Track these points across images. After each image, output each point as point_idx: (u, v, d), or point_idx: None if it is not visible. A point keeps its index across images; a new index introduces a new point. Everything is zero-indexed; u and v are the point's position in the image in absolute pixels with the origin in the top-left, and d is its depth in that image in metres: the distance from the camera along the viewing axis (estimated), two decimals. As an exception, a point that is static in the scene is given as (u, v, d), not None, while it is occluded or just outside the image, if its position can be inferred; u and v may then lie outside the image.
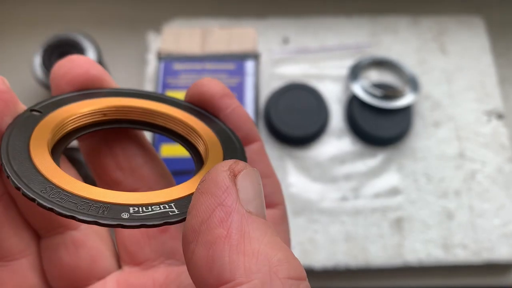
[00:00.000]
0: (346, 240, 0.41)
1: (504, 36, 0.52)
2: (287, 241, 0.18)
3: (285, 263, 0.12)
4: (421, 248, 0.41)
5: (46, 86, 0.44)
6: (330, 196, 0.42)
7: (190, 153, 0.19)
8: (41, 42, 0.45)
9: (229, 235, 0.12)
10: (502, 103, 0.46)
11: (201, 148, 0.18)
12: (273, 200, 0.18)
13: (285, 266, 0.12)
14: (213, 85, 0.18)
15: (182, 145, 0.19)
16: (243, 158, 0.17)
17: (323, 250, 0.41)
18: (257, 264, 0.12)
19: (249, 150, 0.18)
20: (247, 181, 0.13)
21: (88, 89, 0.19)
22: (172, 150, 0.39)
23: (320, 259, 0.40)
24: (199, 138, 0.18)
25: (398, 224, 0.41)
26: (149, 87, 0.46)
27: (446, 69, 0.47)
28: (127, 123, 0.19)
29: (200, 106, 0.19)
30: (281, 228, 0.18)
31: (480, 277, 0.43)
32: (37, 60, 0.43)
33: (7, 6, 0.54)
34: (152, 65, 0.47)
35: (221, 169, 0.13)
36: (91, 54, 0.43)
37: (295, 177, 0.43)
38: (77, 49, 0.43)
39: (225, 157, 0.17)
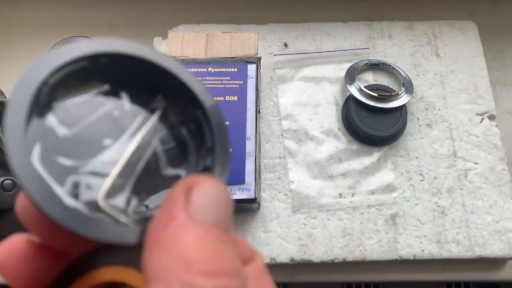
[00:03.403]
0: (343, 236, 0.42)
1: (496, 40, 0.53)
2: None
3: (202, 261, 0.14)
4: (416, 243, 0.42)
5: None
6: (328, 193, 0.44)
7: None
8: (50, 47, 0.45)
9: (164, 239, 0.14)
10: (494, 104, 0.47)
11: None
12: (249, 258, 0.19)
13: (201, 264, 0.13)
14: None
15: None
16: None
17: (321, 245, 0.42)
18: (176, 263, 0.13)
19: None
20: (199, 193, 0.15)
21: None
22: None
23: (318, 253, 0.42)
24: None
25: (393, 220, 0.43)
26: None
27: (440, 71, 0.49)
28: None
29: None
30: (261, 282, 0.18)
31: (473, 272, 0.44)
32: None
33: (17, 11, 0.56)
34: (157, 68, 0.48)
35: (178, 184, 0.15)
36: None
37: (295, 175, 0.44)
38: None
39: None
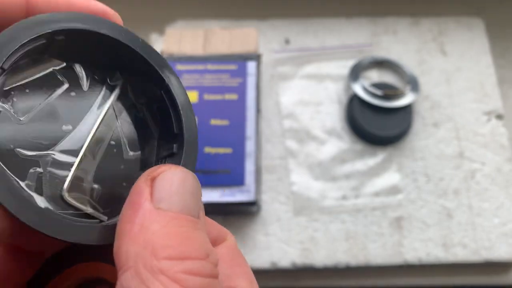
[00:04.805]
0: (346, 239, 0.41)
1: (504, 37, 0.52)
2: (244, 271, 0.18)
3: (169, 247, 0.14)
4: (421, 247, 0.41)
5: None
6: (331, 195, 0.43)
7: None
8: None
9: (131, 229, 0.14)
10: (501, 103, 0.47)
11: None
12: (218, 238, 0.19)
13: (168, 250, 0.14)
14: None
15: None
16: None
17: (323, 249, 0.41)
18: (143, 250, 0.14)
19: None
20: (162, 182, 0.15)
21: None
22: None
23: (321, 257, 0.41)
24: None
25: (398, 223, 0.42)
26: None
27: (446, 69, 0.48)
28: None
29: None
30: (235, 262, 0.18)
31: (480, 276, 0.43)
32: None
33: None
34: (154, 65, 0.47)
35: (141, 176, 0.16)
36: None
37: (297, 176, 0.43)
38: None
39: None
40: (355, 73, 0.46)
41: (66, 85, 0.17)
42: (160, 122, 0.19)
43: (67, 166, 0.17)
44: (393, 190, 0.43)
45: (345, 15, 0.50)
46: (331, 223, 0.42)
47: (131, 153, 0.18)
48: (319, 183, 0.43)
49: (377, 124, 0.44)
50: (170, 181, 0.15)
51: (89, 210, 0.17)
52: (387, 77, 0.47)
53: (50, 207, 0.16)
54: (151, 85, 0.18)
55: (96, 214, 0.17)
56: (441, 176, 0.43)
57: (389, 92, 0.44)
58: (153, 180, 0.15)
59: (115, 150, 0.18)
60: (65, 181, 0.16)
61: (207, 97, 0.42)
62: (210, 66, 0.43)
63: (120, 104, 0.18)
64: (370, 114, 0.44)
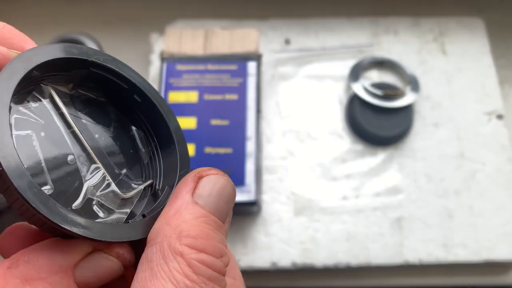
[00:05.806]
0: (347, 239, 0.41)
1: (504, 37, 0.52)
2: (237, 272, 0.21)
3: (192, 237, 0.16)
4: (422, 247, 0.41)
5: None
6: (331, 195, 0.42)
7: None
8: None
9: (168, 212, 0.17)
10: (502, 103, 0.46)
11: None
12: (230, 273, 0.20)
13: (191, 239, 0.16)
14: None
15: None
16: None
17: (324, 249, 0.41)
18: (171, 232, 0.16)
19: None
20: (206, 183, 0.18)
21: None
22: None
23: (321, 257, 0.41)
24: None
25: (399, 223, 0.42)
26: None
27: (447, 69, 0.48)
28: None
29: None
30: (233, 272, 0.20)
31: (480, 276, 0.43)
32: (42, 61, 0.44)
33: (11, 7, 0.55)
34: (155, 66, 0.47)
35: (193, 171, 0.18)
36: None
37: (297, 176, 0.43)
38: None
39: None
40: (356, 73, 0.46)
41: (32, 133, 0.18)
42: (104, 90, 0.20)
43: (102, 180, 0.18)
44: (394, 190, 0.43)
45: (346, 15, 0.50)
46: (332, 223, 0.42)
47: (106, 128, 0.20)
48: (320, 183, 0.43)
49: (377, 124, 0.43)
50: (213, 184, 0.18)
51: (147, 182, 0.19)
52: (388, 77, 0.47)
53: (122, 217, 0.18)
54: (75, 72, 0.19)
55: (149, 181, 0.20)
56: (441, 177, 0.43)
57: (390, 92, 0.44)
58: (200, 178, 0.18)
59: (97, 135, 0.19)
60: (115, 190, 0.18)
61: (207, 97, 0.42)
62: (210, 66, 0.43)
63: (70, 105, 0.19)
64: (370, 114, 0.44)
